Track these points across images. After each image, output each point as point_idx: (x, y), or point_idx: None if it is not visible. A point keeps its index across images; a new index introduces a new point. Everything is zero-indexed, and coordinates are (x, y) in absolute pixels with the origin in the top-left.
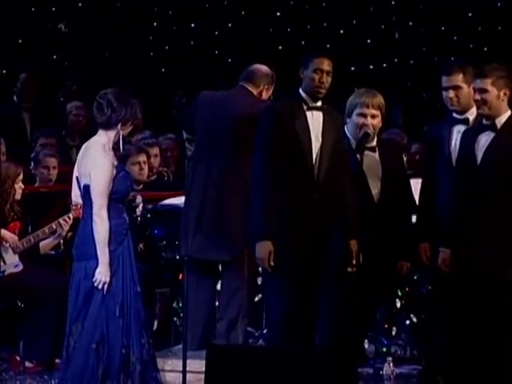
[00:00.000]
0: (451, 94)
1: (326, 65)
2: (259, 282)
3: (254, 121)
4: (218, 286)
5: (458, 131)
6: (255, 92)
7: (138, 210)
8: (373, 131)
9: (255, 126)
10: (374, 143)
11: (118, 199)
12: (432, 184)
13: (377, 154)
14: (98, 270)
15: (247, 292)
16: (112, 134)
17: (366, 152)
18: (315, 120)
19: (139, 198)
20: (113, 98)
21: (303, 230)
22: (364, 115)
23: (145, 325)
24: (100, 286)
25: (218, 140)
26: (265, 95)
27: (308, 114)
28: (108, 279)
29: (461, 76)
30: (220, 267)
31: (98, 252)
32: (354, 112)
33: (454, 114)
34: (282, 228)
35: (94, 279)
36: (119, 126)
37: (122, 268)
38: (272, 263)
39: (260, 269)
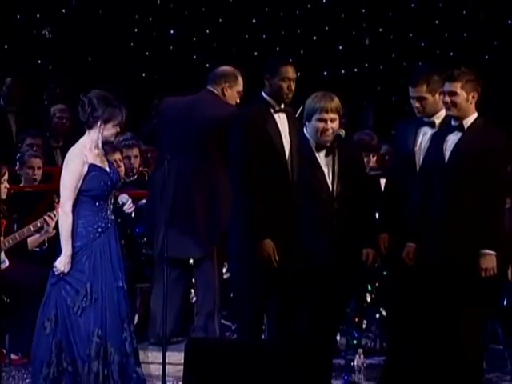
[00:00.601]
0: (417, 103)
1: (292, 72)
2: None
3: (220, 123)
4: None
5: (424, 133)
6: (219, 91)
7: (127, 209)
8: (332, 133)
9: (221, 128)
10: (335, 144)
11: (92, 197)
12: (395, 181)
13: (336, 154)
14: (58, 260)
15: (219, 286)
16: (93, 133)
17: (326, 152)
18: (282, 122)
19: (123, 197)
20: (95, 98)
21: (284, 227)
22: (324, 120)
23: (127, 319)
24: (56, 274)
25: (186, 142)
26: (228, 93)
27: (276, 116)
28: (66, 270)
29: (425, 87)
30: (192, 263)
31: (61, 243)
32: (314, 117)
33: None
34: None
35: (53, 266)
36: (99, 125)
37: (100, 263)
38: (277, 258)
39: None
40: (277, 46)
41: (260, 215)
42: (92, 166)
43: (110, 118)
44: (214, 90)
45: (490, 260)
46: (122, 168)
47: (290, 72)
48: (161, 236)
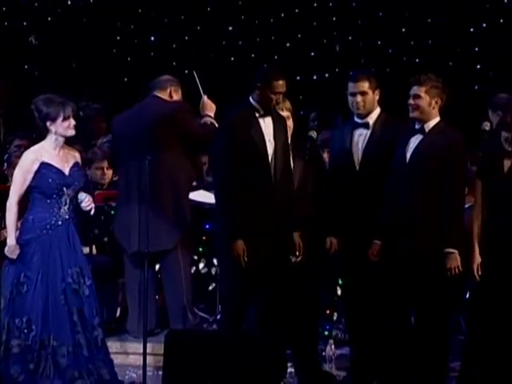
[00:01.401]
0: (359, 98)
1: (283, 86)
2: (213, 273)
3: (168, 119)
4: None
5: (359, 134)
6: (165, 96)
7: (84, 206)
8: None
9: (170, 124)
10: (307, 145)
11: (43, 194)
12: (334, 180)
13: (307, 155)
14: (5, 248)
15: (190, 278)
16: (49, 134)
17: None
18: (267, 126)
19: (81, 195)
20: (38, 102)
21: (265, 228)
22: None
23: (78, 313)
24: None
25: (142, 143)
26: (175, 96)
27: (260, 121)
28: (14, 257)
29: (367, 83)
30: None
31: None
32: None
33: (356, 119)
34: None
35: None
36: (49, 125)
37: (48, 258)
38: (246, 259)
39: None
40: (252, 53)
41: (235, 216)
42: (44, 164)
43: (56, 115)
44: (161, 95)
45: (454, 259)
46: (107, 175)
47: (282, 86)
48: (134, 234)
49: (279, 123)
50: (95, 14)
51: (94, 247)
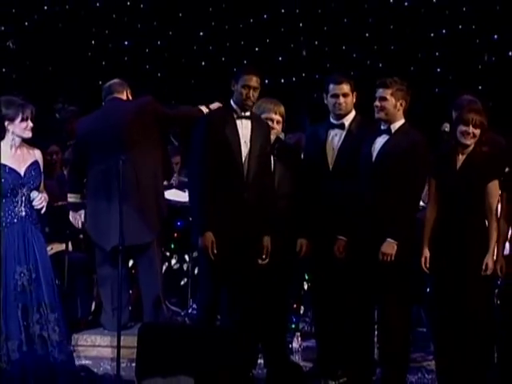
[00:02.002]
0: (341, 100)
1: (254, 81)
2: (185, 268)
3: (138, 113)
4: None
5: (334, 134)
6: (124, 97)
7: (36, 205)
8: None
9: (138, 119)
10: (275, 145)
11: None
12: (308, 179)
13: (275, 154)
14: None
15: (160, 271)
16: (7, 135)
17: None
18: (244, 127)
19: (33, 193)
20: None
21: (234, 225)
22: (271, 120)
23: (34, 307)
24: None
25: (114, 144)
26: (130, 97)
27: (238, 122)
28: None
29: (348, 86)
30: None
31: None
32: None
33: (332, 120)
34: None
35: None
36: (7, 125)
37: (5, 253)
38: (215, 251)
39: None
40: (222, 57)
41: (205, 210)
42: (3, 166)
43: (14, 116)
44: (120, 97)
45: (389, 247)
46: None
47: (251, 80)
48: (115, 229)
49: (259, 127)
50: (71, 19)
51: (70, 244)
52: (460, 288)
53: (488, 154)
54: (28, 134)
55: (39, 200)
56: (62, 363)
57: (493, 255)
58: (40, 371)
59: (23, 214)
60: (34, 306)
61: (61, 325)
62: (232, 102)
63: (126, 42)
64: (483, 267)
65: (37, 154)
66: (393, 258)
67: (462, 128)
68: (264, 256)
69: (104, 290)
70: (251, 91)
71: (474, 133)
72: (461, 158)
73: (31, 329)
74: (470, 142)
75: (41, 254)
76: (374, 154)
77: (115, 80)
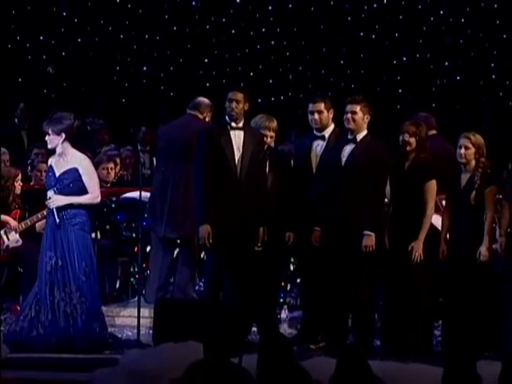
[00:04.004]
0: (316, 116)
1: (235, 95)
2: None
3: (194, 136)
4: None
5: (317, 144)
6: (201, 117)
7: (49, 204)
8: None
9: (194, 140)
10: (267, 152)
11: None
12: (299, 181)
13: (267, 159)
14: None
15: (194, 262)
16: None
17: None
18: (237, 137)
19: (49, 193)
20: None
21: (230, 217)
22: (265, 136)
23: (60, 286)
24: None
25: (174, 154)
26: (208, 120)
27: (232, 132)
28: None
29: (323, 104)
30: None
31: None
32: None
33: (315, 132)
34: (215, 217)
35: None
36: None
37: (43, 238)
38: (211, 241)
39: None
40: (223, 79)
41: (204, 205)
42: None
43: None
44: (197, 114)
45: (369, 240)
46: (112, 174)
47: (233, 95)
48: (164, 222)
49: (251, 136)
50: (99, 49)
51: (98, 233)
52: (406, 265)
53: (426, 159)
54: (48, 145)
55: (50, 199)
56: (94, 331)
57: (421, 241)
58: (62, 339)
59: (50, 208)
60: (60, 286)
61: (89, 302)
62: (226, 116)
63: (144, 68)
64: (415, 253)
65: (77, 162)
66: (374, 248)
67: (400, 137)
68: (260, 244)
69: (153, 269)
70: (234, 103)
71: (409, 141)
72: (407, 163)
73: (56, 304)
74: (408, 148)
75: (69, 243)
76: (344, 160)
77: (204, 100)
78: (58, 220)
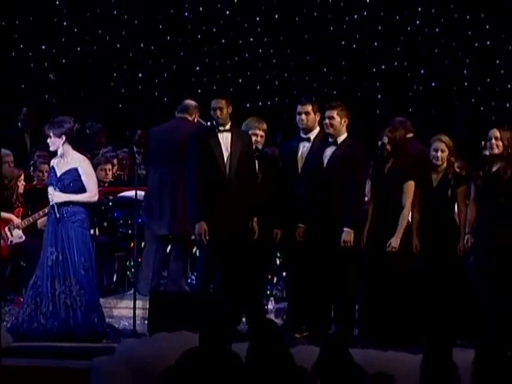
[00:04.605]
0: (303, 117)
1: (217, 103)
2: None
3: (186, 139)
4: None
5: (303, 146)
6: (190, 119)
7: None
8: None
9: (186, 141)
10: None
11: None
12: (285, 181)
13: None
14: None
15: (186, 257)
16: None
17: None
18: (225, 138)
19: (50, 189)
20: None
21: (222, 214)
22: (255, 135)
23: (61, 279)
24: None
25: (169, 156)
26: (196, 120)
27: (219, 135)
28: None
29: (310, 106)
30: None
31: None
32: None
33: (301, 134)
34: (208, 214)
35: None
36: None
37: (45, 234)
38: (207, 237)
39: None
40: (214, 86)
41: (198, 204)
42: None
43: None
44: (186, 116)
45: (348, 235)
46: (109, 175)
47: (215, 103)
48: (165, 218)
49: (239, 137)
50: (97, 57)
51: (96, 230)
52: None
53: (405, 162)
54: (50, 148)
55: (51, 197)
56: (93, 322)
57: (398, 237)
58: (62, 329)
59: (52, 205)
60: (60, 279)
61: (88, 294)
62: (214, 121)
63: (140, 75)
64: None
65: (76, 163)
66: (352, 243)
67: (379, 142)
68: (256, 234)
69: (146, 263)
70: (218, 111)
71: (386, 146)
72: (387, 165)
73: (57, 297)
74: (385, 153)
75: (69, 239)
76: (325, 161)
77: (191, 102)
78: (58, 215)
